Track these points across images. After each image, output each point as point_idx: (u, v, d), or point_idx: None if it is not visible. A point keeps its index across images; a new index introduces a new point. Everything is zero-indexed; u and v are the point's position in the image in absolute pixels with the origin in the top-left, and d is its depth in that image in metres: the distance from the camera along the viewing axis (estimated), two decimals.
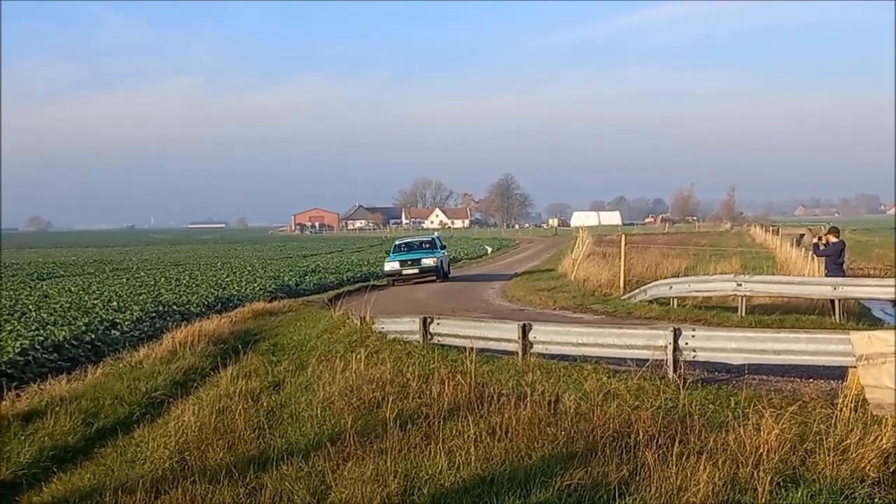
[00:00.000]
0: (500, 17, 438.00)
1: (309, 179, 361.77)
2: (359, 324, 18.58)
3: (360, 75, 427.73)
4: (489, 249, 72.60)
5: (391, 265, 37.84)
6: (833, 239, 22.36)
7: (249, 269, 48.75)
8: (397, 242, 41.82)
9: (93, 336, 22.23)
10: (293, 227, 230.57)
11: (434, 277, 37.49)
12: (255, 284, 36.91)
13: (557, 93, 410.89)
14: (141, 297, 31.25)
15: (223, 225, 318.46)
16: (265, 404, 14.17)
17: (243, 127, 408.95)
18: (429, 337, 16.21)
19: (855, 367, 10.96)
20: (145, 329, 24.04)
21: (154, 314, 26.51)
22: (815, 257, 25.90)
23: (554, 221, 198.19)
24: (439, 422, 11.02)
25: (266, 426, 12.73)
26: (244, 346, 19.15)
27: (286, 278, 40.28)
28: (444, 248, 42.33)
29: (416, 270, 37.43)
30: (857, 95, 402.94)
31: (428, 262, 37.81)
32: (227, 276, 43.05)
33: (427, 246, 40.39)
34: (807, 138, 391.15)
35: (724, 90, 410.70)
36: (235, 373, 16.40)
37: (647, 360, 12.65)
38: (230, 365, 17.12)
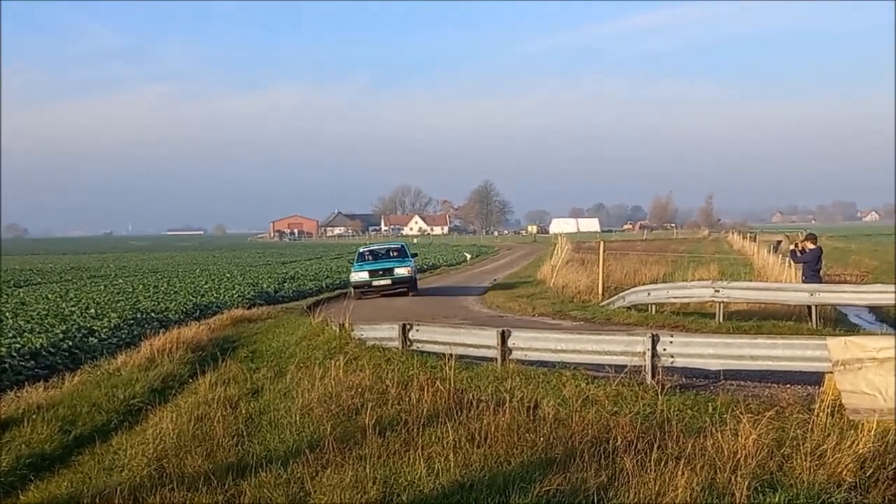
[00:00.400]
0: (481, 23, 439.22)
1: (288, 186, 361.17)
2: (338, 330, 18.55)
3: (339, 82, 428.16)
4: (468, 256, 72.61)
5: (358, 275, 33.60)
6: (810, 246, 22.50)
7: (228, 276, 48.60)
8: (361, 250, 36.76)
9: (70, 343, 22.09)
10: (272, 234, 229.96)
11: (407, 289, 33.66)
12: (234, 291, 36.78)
13: (537, 99, 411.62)
14: (119, 305, 31.10)
15: (201, 232, 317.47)
16: (244, 411, 14.13)
17: (221, 134, 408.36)
18: (408, 343, 16.21)
19: (832, 372, 11.04)
20: (123, 336, 23.92)
21: (132, 321, 26.38)
22: (793, 264, 26.07)
23: (533, 228, 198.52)
24: (418, 428, 11.00)
25: (245, 433, 12.68)
26: (223, 353, 19.10)
27: (265, 285, 40.15)
28: (415, 255, 38.53)
29: (387, 281, 33.27)
30: (833, 104, 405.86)
31: (401, 271, 33.59)
32: (206, 283, 42.91)
33: (395, 254, 36.09)
34: (784, 146, 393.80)
35: (702, 98, 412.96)
36: (214, 380, 16.34)
37: (625, 367, 12.70)
38: (209, 372, 17.06)
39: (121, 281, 47.02)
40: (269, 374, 16.65)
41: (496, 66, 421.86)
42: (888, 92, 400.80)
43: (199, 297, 34.13)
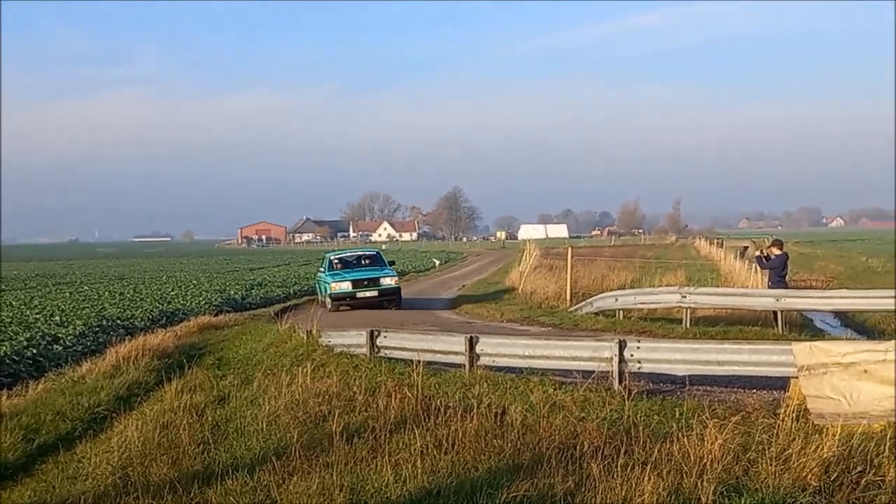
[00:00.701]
0: (452, 29, 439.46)
1: (256, 192, 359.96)
2: (305, 337, 18.49)
3: (308, 87, 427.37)
4: (437, 262, 72.66)
5: (340, 285, 30.19)
6: (776, 251, 22.65)
7: (195, 282, 48.34)
8: (332, 258, 33.50)
9: (34, 351, 21.87)
10: (240, 241, 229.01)
11: (392, 301, 30.61)
12: (201, 298, 36.57)
13: (505, 105, 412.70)
14: (84, 312, 30.83)
15: (169, 238, 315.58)
16: (210, 419, 14.04)
17: (190, 139, 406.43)
18: (376, 350, 16.18)
19: (797, 377, 11.12)
20: (88, 344, 23.72)
21: (97, 329, 26.17)
22: (759, 269, 26.24)
23: (501, 234, 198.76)
24: (386, 435, 10.98)
25: (211, 441, 12.60)
26: (189, 360, 18.98)
27: (232, 292, 39.97)
28: (392, 263, 34.35)
29: (373, 293, 30.15)
30: (799, 110, 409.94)
31: (388, 282, 30.60)
32: (173, 289, 42.64)
33: (368, 262, 33.12)
34: (750, 151, 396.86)
35: (669, 104, 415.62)
36: (180, 387, 16.23)
37: (593, 372, 12.72)
38: (175, 379, 16.94)
39: (86, 288, 46.65)
40: (236, 381, 16.56)
41: (466, 72, 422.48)
42: (855, 98, 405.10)
43: (165, 304, 33.92)
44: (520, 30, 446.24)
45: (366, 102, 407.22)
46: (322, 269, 33.53)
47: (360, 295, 30.08)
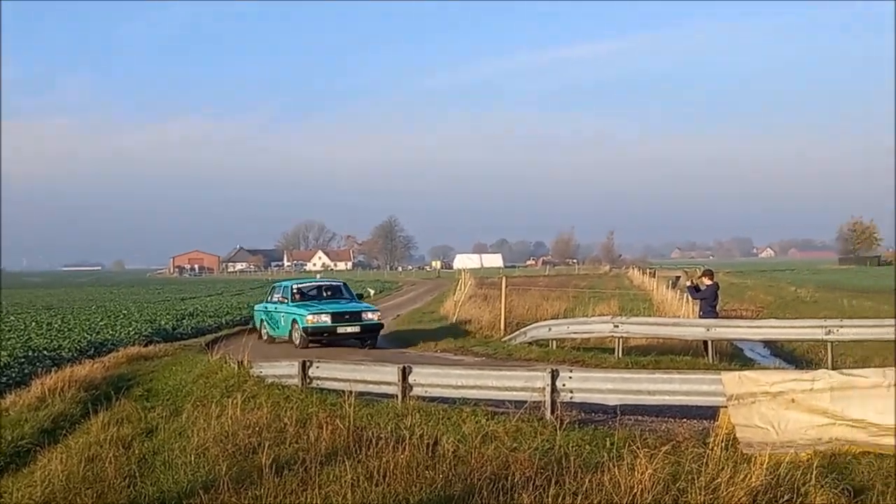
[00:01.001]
0: (386, 58, 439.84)
1: (189, 221, 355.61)
2: (236, 368, 18.27)
3: (242, 114, 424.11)
4: (371, 292, 72.14)
5: (317, 318, 26.49)
6: (707, 282, 22.92)
7: (125, 312, 47.56)
8: (294, 286, 29.64)
9: None
10: (172, 270, 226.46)
11: (373, 338, 27.60)
12: (131, 328, 35.96)
13: (439, 135, 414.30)
14: (9, 342, 30.12)
15: (99, 267, 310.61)
16: (137, 451, 13.76)
17: (120, 167, 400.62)
18: (308, 381, 16.03)
19: (726, 406, 11.24)
20: (13, 375, 23.14)
21: (23, 359, 25.58)
22: (690, 299, 26.54)
23: (437, 264, 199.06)
24: (316, 467, 10.83)
25: (137, 474, 12.33)
26: (117, 391, 18.59)
27: (163, 322, 39.39)
28: (360, 296, 31.93)
29: (356, 329, 26.87)
30: (731, 142, 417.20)
31: (371, 317, 27.45)
32: (102, 319, 41.91)
33: (329, 294, 29.73)
34: (683, 182, 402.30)
35: (603, 135, 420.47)
36: (107, 419, 15.90)
37: (525, 402, 12.72)
38: (102, 411, 16.61)
39: (12, 318, 45.67)
40: (165, 412, 16.26)
41: (401, 101, 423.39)
42: (783, 131, 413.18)
43: (94, 335, 33.28)
44: (455, 59, 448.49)
45: (300, 130, 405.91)
46: (277, 299, 29.34)
47: (340, 330, 26.64)
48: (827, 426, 10.65)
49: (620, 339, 22.04)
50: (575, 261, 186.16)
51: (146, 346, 28.55)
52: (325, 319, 26.61)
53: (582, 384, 12.87)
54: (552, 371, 12.94)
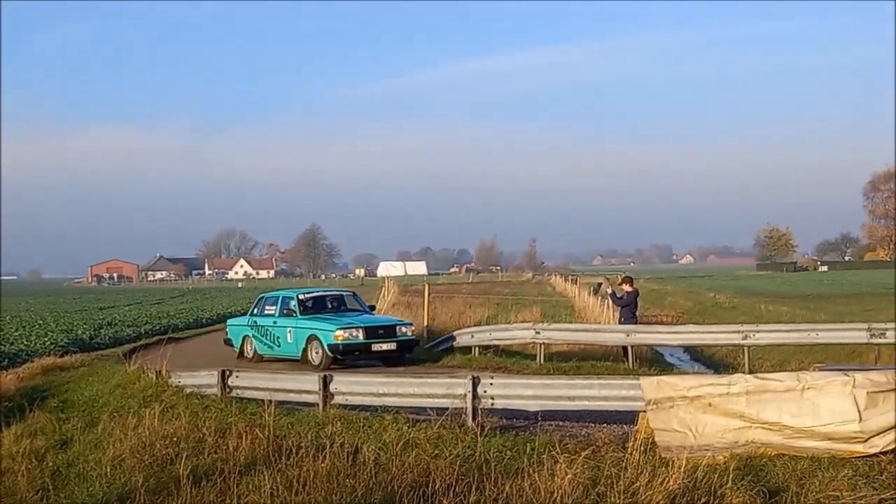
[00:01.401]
0: (307, 68, 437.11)
1: (107, 229, 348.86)
2: (154, 378, 17.97)
3: (161, 124, 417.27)
4: None
5: (349, 334, 22.24)
6: (627, 288, 23.17)
7: (41, 322, 46.51)
8: (302, 296, 25.07)
9: None
10: (90, 279, 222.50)
11: (406, 355, 23.36)
12: (46, 338, 35.14)
13: (363, 144, 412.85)
14: None
15: (14, 277, 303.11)
16: (51, 464, 13.46)
17: (37, 174, 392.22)
18: (227, 390, 15.82)
19: (645, 411, 11.34)
20: None
21: None
22: (611, 305, 26.81)
23: (360, 272, 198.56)
24: (235, 477, 10.70)
25: (51, 487, 12.06)
26: (31, 403, 18.16)
27: (80, 332, 38.58)
28: (372, 308, 27.70)
29: (391, 346, 22.71)
30: (654, 148, 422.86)
31: (406, 331, 23.40)
32: (16, 330, 40.93)
33: (335, 305, 25.48)
34: (604, 190, 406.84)
35: (525, 144, 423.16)
36: (20, 432, 15.53)
37: (447, 409, 12.71)
38: (14, 424, 16.21)
39: None
40: (80, 424, 15.92)
41: (324, 111, 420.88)
42: (704, 139, 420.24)
43: (7, 346, 32.46)
44: (378, 70, 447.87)
45: (221, 139, 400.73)
46: (275, 311, 24.91)
47: (375, 347, 22.59)
48: (743, 429, 10.81)
49: (542, 346, 22.18)
50: (498, 268, 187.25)
51: (62, 356, 27.91)
52: (357, 335, 22.37)
53: (503, 390, 12.89)
54: (473, 378, 12.94)
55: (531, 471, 9.68)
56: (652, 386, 11.40)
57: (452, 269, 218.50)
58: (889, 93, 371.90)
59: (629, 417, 12.32)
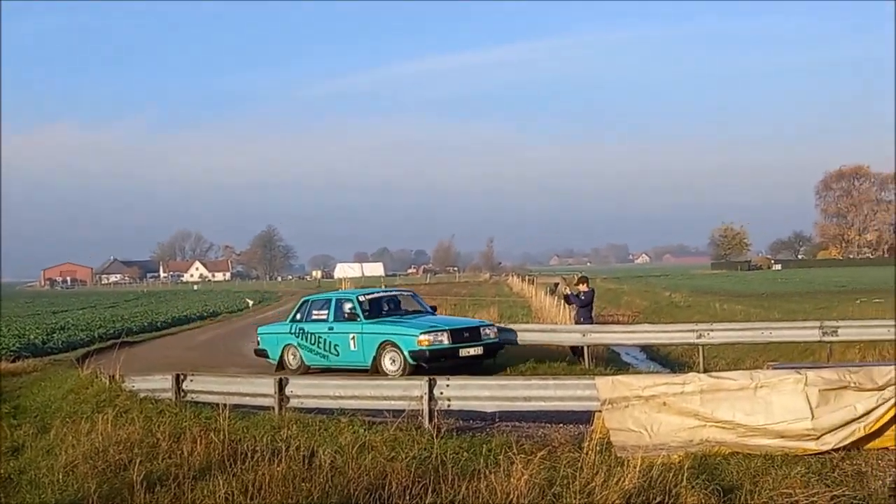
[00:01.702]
0: (263, 68, 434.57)
1: (61, 232, 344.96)
2: (108, 382, 17.78)
3: (115, 123, 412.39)
4: (250, 303, 71.38)
5: (433, 336, 19.90)
6: (583, 288, 23.27)
7: None
8: (362, 297, 22.44)
9: None
10: (43, 283, 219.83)
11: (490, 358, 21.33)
12: None
13: (318, 144, 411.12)
14: None
15: None
16: (2, 471, 13.24)
17: None
18: (182, 394, 15.70)
19: (601, 411, 11.40)
20: None
21: None
22: (568, 305, 26.88)
23: (317, 273, 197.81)
24: (189, 482, 10.60)
25: (1, 495, 11.88)
26: None
27: (32, 336, 38.06)
28: (434, 308, 24.26)
29: (479, 350, 20.58)
30: (606, 150, 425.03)
31: (490, 334, 21.18)
32: None
33: (392, 307, 22.84)
34: (560, 191, 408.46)
35: (482, 143, 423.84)
36: None
37: (403, 411, 12.72)
38: None
39: None
40: (32, 430, 15.67)
41: (279, 110, 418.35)
42: (660, 139, 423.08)
43: None
44: (333, 68, 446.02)
45: (175, 140, 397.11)
46: (330, 316, 22.07)
47: (462, 353, 20.32)
48: (698, 428, 10.91)
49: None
50: (456, 269, 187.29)
51: (14, 361, 27.53)
52: (443, 339, 20.10)
53: (459, 392, 12.90)
54: (430, 380, 12.93)
55: (487, 472, 9.69)
56: (607, 386, 11.46)
57: (410, 270, 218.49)
58: (843, 93, 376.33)
59: (585, 417, 12.35)
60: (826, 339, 21.03)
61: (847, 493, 9.03)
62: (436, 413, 12.63)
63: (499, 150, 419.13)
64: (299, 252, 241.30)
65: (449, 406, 12.81)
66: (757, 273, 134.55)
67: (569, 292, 25.23)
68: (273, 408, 14.08)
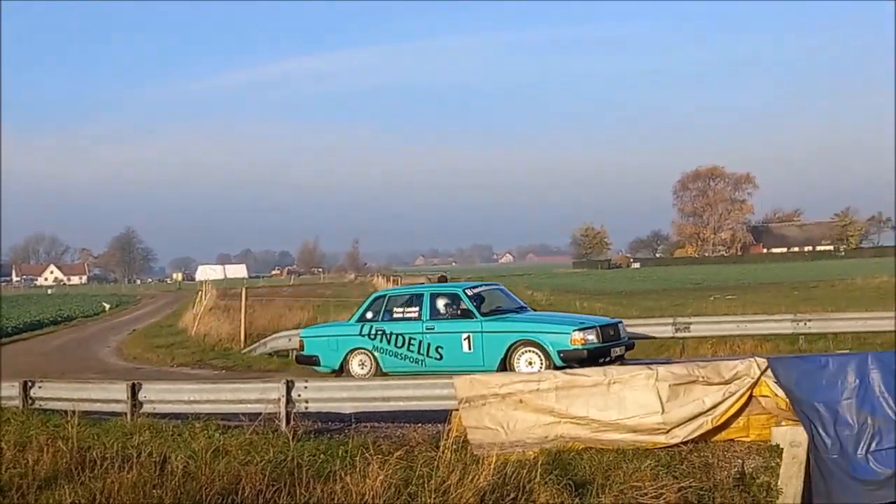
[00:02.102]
0: (109, 68, 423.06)
1: None
2: None
3: None
4: (107, 306, 69.56)
5: (587, 337, 17.54)
6: None
7: None
8: (466, 290, 19.37)
9: None
10: None
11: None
12: None
13: (178, 146, 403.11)
14: None
15: None
16: None
17: None
18: (30, 402, 15.09)
19: (458, 409, 11.46)
20: None
21: None
22: None
23: (178, 276, 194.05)
24: (35, 492, 10.23)
25: None
26: None
27: None
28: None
29: (621, 350, 18.57)
30: (471, 150, 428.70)
31: (623, 331, 19.20)
32: None
33: (500, 307, 19.58)
34: (425, 191, 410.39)
35: (346, 144, 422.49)
36: None
37: (260, 414, 12.53)
38: None
39: None
40: None
41: (134, 113, 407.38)
42: (523, 139, 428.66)
43: None
44: (189, 69, 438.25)
45: (29, 142, 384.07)
46: (417, 313, 19.22)
47: (613, 352, 18.20)
48: (553, 424, 11.07)
49: None
50: (320, 269, 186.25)
51: None
52: (592, 338, 17.76)
53: (318, 394, 12.82)
54: (287, 382, 12.81)
55: (343, 473, 9.64)
56: (465, 384, 11.54)
57: (274, 272, 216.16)
58: (697, 97, 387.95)
59: (444, 417, 12.39)
60: (679, 335, 21.63)
61: (694, 484, 9.30)
62: (293, 415, 12.51)
63: (363, 151, 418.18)
64: (160, 254, 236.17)
65: (307, 408, 12.70)
66: (617, 271, 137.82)
67: None
68: (126, 414, 13.69)
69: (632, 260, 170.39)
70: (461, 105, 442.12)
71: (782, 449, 10.64)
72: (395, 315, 19.41)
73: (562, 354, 17.11)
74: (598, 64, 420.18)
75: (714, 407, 10.91)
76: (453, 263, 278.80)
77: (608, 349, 17.75)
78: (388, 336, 19.10)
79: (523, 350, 17.70)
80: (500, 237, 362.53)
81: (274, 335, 25.73)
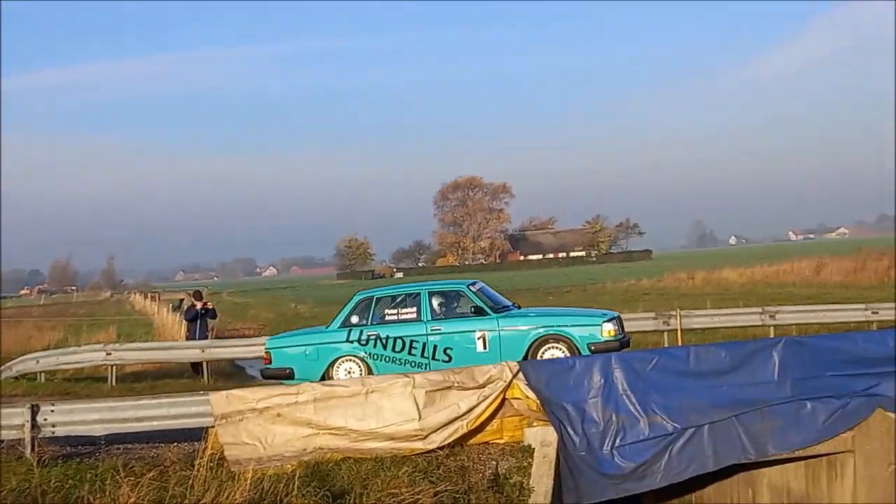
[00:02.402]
0: None
1: None
2: None
3: None
4: None
5: (612, 326, 16.66)
6: (197, 304, 23.00)
7: None
8: (471, 287, 17.57)
9: None
10: None
11: None
12: None
13: None
14: None
15: None
16: None
17: None
18: None
19: (214, 426, 11.25)
20: None
21: None
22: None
23: None
24: None
25: None
26: None
27: None
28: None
29: (629, 342, 18.15)
30: (234, 162, 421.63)
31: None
32: None
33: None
34: (186, 203, 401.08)
35: (95, 158, 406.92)
36: None
37: (2, 441, 11.88)
38: None
39: None
40: None
41: None
42: (288, 151, 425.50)
43: None
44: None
45: None
46: (416, 314, 17.14)
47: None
48: (311, 436, 11.06)
49: (114, 367, 21.46)
50: (74, 288, 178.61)
51: None
52: (619, 329, 17.08)
53: (66, 417, 12.26)
54: (32, 406, 12.17)
55: (92, 498, 9.30)
56: (221, 400, 11.35)
57: (23, 291, 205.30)
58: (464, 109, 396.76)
59: (201, 434, 12.14)
60: None
61: (450, 487, 9.50)
62: (38, 441, 11.91)
63: (115, 164, 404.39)
64: None
65: (53, 432, 12.13)
66: (380, 281, 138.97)
67: (188, 306, 24.82)
68: None
69: (395, 270, 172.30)
70: (219, 116, 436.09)
71: (534, 449, 11.04)
72: (388, 317, 17.48)
73: (592, 347, 16.09)
74: (360, 75, 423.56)
75: (469, 411, 11.21)
76: (215, 278, 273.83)
77: (628, 340, 17.44)
78: (385, 340, 17.04)
79: (548, 346, 16.54)
80: (264, 250, 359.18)
81: (20, 358, 24.47)
